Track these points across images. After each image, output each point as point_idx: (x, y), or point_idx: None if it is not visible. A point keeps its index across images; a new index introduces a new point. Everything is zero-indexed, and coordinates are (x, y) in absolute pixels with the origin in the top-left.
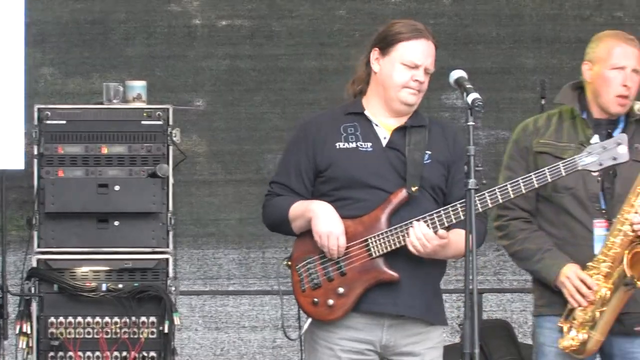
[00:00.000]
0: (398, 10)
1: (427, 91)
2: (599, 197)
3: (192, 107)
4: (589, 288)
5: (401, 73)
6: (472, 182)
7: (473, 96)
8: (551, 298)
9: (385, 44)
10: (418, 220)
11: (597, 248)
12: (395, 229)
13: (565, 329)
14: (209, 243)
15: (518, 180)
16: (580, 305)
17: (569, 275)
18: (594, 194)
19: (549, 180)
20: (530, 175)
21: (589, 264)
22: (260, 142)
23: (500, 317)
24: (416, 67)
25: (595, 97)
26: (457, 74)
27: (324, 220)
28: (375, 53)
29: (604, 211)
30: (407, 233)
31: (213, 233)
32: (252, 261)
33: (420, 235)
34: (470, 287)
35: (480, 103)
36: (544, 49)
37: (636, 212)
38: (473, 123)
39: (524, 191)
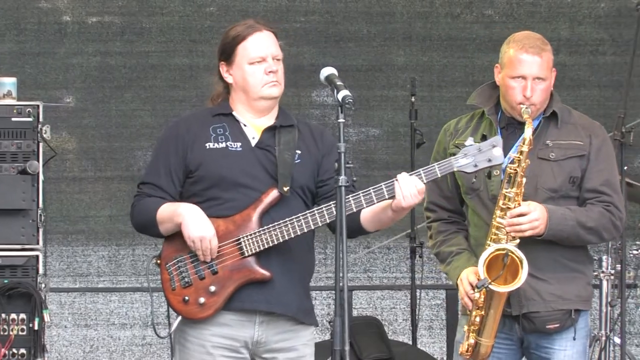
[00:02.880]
0: (269, 7)
1: (298, 88)
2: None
3: (62, 104)
4: None
5: (254, 72)
6: (342, 179)
7: (343, 93)
8: None
9: (227, 54)
10: (297, 217)
11: None
12: (268, 228)
13: (466, 335)
14: (79, 240)
15: (393, 181)
16: (468, 308)
17: (463, 278)
18: (493, 196)
19: (425, 181)
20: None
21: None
22: (131, 139)
23: (370, 314)
24: (263, 59)
25: (503, 99)
26: (327, 71)
27: (195, 225)
28: (223, 67)
29: None
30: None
31: (83, 230)
32: (122, 258)
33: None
34: (341, 284)
35: (351, 100)
36: (415, 47)
37: (505, 215)
38: (343, 120)
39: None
